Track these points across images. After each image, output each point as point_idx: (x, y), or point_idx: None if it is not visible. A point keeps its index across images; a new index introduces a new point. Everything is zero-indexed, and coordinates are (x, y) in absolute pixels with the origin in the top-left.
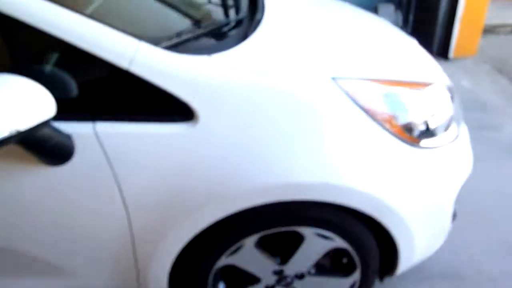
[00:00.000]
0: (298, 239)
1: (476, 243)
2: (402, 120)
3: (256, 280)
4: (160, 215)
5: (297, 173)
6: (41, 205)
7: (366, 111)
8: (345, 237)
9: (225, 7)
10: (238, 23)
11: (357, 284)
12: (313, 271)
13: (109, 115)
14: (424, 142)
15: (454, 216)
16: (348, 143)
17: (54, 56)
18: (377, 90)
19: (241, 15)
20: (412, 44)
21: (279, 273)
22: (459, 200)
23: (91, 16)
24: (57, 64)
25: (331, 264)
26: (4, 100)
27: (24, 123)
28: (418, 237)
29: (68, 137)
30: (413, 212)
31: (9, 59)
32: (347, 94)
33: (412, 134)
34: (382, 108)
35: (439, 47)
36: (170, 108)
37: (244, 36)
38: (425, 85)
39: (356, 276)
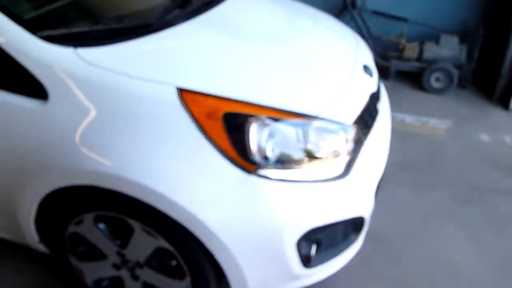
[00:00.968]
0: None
1: None
2: (240, 143)
3: (104, 255)
4: (13, 173)
5: (109, 165)
6: None
7: (201, 127)
8: (169, 240)
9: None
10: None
11: None
12: (154, 264)
13: None
14: (265, 171)
15: (308, 260)
16: (170, 151)
17: None
18: (219, 108)
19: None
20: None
21: (122, 256)
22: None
23: None
24: None
25: (167, 264)
26: None
27: None
28: (248, 268)
29: None
30: (237, 240)
31: None
32: (184, 105)
33: (249, 160)
34: (218, 128)
35: (500, 94)
36: (28, 84)
37: (128, 38)
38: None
39: (187, 282)
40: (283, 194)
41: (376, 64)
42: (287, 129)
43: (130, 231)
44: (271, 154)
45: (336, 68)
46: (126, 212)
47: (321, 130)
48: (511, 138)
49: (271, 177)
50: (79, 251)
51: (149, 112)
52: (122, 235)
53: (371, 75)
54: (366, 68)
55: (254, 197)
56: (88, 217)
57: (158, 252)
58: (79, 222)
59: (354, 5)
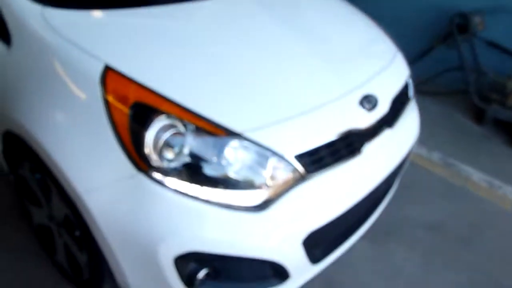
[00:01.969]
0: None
1: None
2: (139, 138)
3: (40, 204)
4: None
5: (20, 116)
6: None
7: (109, 109)
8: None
9: None
10: None
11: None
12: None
13: None
14: (162, 176)
15: (191, 280)
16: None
17: None
18: (131, 95)
19: None
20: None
21: (50, 209)
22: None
23: None
24: None
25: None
26: None
27: None
28: (129, 271)
29: None
30: (118, 236)
31: None
32: (103, 81)
33: (143, 155)
34: (124, 115)
35: None
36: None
37: (96, 7)
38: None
39: (86, 256)
40: (171, 205)
41: (472, 104)
42: (199, 139)
43: (49, 189)
44: (176, 161)
45: (310, 89)
46: (43, 168)
47: (241, 150)
48: None
49: (166, 184)
50: (27, 192)
51: (71, 77)
52: (47, 192)
53: (369, 108)
54: (366, 99)
55: (138, 197)
56: (26, 164)
57: (68, 219)
58: (22, 167)
59: (465, 30)
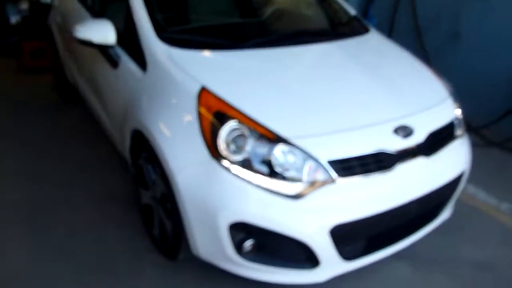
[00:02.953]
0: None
1: None
2: (215, 134)
3: (148, 187)
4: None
5: (147, 119)
6: None
7: (199, 112)
8: (166, 187)
9: None
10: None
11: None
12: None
13: None
14: (229, 164)
15: (240, 248)
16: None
17: None
18: (215, 105)
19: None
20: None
21: (154, 191)
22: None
23: None
24: None
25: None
26: None
27: None
28: (197, 231)
29: None
30: (193, 203)
31: None
32: (198, 97)
33: (217, 147)
34: (208, 118)
35: None
36: (141, 60)
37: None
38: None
39: (171, 223)
40: (232, 185)
41: None
42: (257, 141)
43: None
44: (239, 154)
45: (354, 114)
46: (154, 157)
47: (286, 153)
48: None
49: (230, 170)
50: (140, 178)
51: (180, 94)
52: (155, 177)
53: (404, 136)
54: (402, 128)
55: (210, 176)
56: (143, 156)
57: (164, 196)
58: (141, 158)
59: None
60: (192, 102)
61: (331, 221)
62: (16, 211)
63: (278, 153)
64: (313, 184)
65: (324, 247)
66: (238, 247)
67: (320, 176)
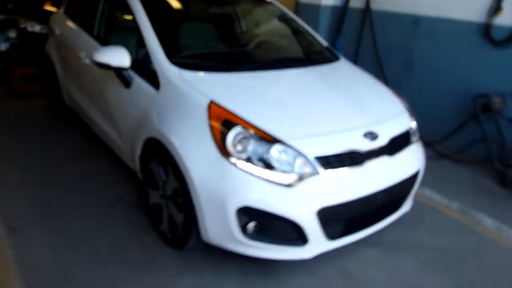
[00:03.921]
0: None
1: None
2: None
3: (158, 187)
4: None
5: (164, 129)
6: None
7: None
8: (179, 183)
9: None
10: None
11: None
12: (174, 200)
13: None
14: (236, 161)
15: (245, 229)
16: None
17: None
18: (223, 116)
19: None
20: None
21: (164, 190)
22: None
23: None
24: None
25: (178, 201)
26: None
27: None
28: (209, 218)
29: None
30: (206, 194)
31: None
32: (208, 108)
33: (226, 148)
34: (217, 125)
35: None
36: (155, 80)
37: (207, 70)
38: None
39: (183, 216)
40: (238, 177)
41: (496, 169)
42: (257, 142)
43: (168, 174)
44: (244, 152)
45: (333, 121)
46: (167, 159)
47: (281, 151)
48: None
49: (237, 165)
50: (150, 181)
51: (191, 107)
52: (166, 177)
53: (371, 139)
54: (369, 133)
55: (220, 171)
56: (155, 159)
57: (176, 192)
58: (152, 162)
59: (488, 109)
60: (203, 113)
61: (317, 204)
62: (30, 217)
63: (275, 151)
64: (302, 176)
65: (312, 226)
66: (243, 229)
67: (308, 169)
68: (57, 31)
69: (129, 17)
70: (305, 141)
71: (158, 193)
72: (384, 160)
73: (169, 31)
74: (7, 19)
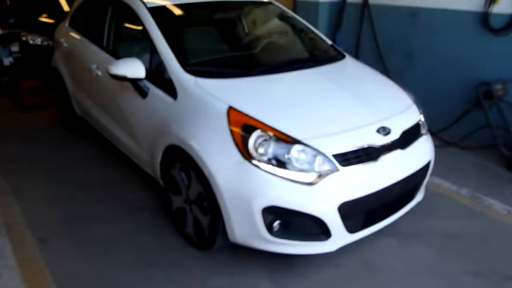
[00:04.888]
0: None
1: None
2: (245, 141)
3: (181, 192)
4: (155, 133)
5: (185, 135)
6: None
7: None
8: (204, 187)
9: None
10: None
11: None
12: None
13: None
14: (258, 163)
15: (270, 228)
16: (213, 135)
17: None
18: (242, 120)
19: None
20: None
21: (187, 195)
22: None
23: None
24: None
25: (203, 204)
26: None
27: None
28: (235, 220)
29: None
30: (231, 197)
31: None
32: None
33: (248, 151)
34: (238, 130)
35: None
36: (172, 89)
37: (222, 77)
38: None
39: (208, 218)
40: (262, 178)
41: (501, 153)
42: (277, 143)
43: (190, 179)
44: (265, 154)
45: (347, 119)
46: (190, 164)
47: (300, 151)
48: None
49: (260, 167)
50: (172, 186)
51: (211, 113)
52: (189, 182)
53: (384, 134)
54: (382, 129)
55: (244, 173)
56: (177, 166)
57: (200, 196)
58: (174, 168)
59: (490, 96)
60: (223, 119)
61: (338, 200)
62: (57, 227)
63: (295, 151)
64: (322, 173)
65: (334, 221)
66: (269, 227)
67: (327, 167)
68: (64, 44)
69: (138, 28)
70: (323, 140)
71: (181, 197)
72: (397, 153)
73: (180, 40)
74: (9, 33)
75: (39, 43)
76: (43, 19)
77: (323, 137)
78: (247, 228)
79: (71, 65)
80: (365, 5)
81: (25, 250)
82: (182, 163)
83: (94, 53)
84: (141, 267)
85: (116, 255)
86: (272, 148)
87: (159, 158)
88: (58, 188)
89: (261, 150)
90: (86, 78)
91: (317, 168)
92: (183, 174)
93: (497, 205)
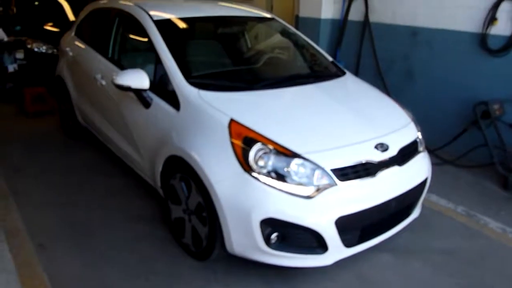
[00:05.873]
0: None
1: None
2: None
3: (180, 202)
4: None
5: (186, 146)
6: None
7: (231, 139)
8: (203, 198)
9: None
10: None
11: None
12: (197, 213)
13: None
14: (258, 175)
15: (268, 240)
16: (214, 147)
17: None
18: (243, 133)
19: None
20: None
21: (187, 205)
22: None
23: None
24: None
25: (202, 215)
26: None
27: None
28: (234, 231)
29: None
30: (230, 208)
31: None
32: (229, 126)
33: (248, 163)
34: (239, 142)
35: None
36: (175, 101)
37: (224, 90)
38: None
39: (207, 229)
40: (261, 190)
41: (500, 174)
42: (277, 157)
43: (190, 190)
44: (265, 167)
45: (345, 135)
46: (190, 175)
47: (300, 164)
48: None
49: (260, 179)
50: (172, 196)
51: (213, 125)
52: (189, 192)
53: (382, 150)
54: (380, 145)
55: (244, 185)
56: (178, 176)
57: (199, 206)
58: (174, 178)
59: (488, 115)
60: (225, 131)
61: (335, 214)
62: (56, 234)
63: (294, 165)
64: (320, 187)
65: (331, 235)
66: (267, 239)
67: (325, 181)
68: (70, 53)
69: (143, 39)
70: (321, 154)
71: (180, 207)
72: (394, 169)
73: (184, 53)
74: (15, 40)
75: (43, 51)
76: (49, 27)
77: (322, 152)
78: (245, 240)
79: (75, 74)
80: (366, 23)
81: (24, 255)
82: (183, 174)
83: (99, 63)
84: (142, 275)
85: (116, 263)
86: (272, 161)
87: (160, 168)
88: (59, 195)
89: (261, 163)
90: (90, 87)
91: (315, 182)
92: (183, 185)
93: (493, 224)
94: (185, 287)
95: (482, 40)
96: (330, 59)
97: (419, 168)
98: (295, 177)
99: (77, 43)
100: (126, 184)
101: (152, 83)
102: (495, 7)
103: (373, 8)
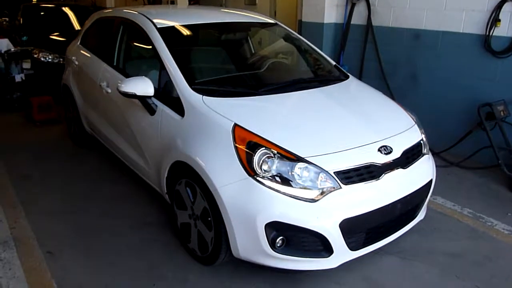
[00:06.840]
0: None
1: None
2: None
3: (186, 207)
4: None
5: (191, 152)
6: None
7: (235, 144)
8: (209, 203)
9: None
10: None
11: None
12: (202, 218)
13: None
14: (262, 179)
15: (274, 244)
16: (218, 151)
17: None
18: (247, 138)
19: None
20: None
21: (192, 210)
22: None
23: None
24: None
25: (207, 220)
26: None
27: None
28: (239, 235)
29: None
30: (235, 212)
31: None
32: (233, 131)
33: (252, 168)
34: (243, 147)
35: None
36: (179, 107)
37: (228, 96)
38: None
39: (212, 233)
40: (266, 194)
41: (503, 174)
42: (281, 161)
43: (196, 195)
44: (269, 171)
45: (348, 139)
46: (195, 180)
47: (304, 168)
48: None
49: (264, 183)
50: (178, 202)
51: (217, 130)
52: (194, 197)
53: (386, 153)
54: (384, 148)
55: (248, 189)
56: (183, 181)
57: (204, 211)
58: (179, 184)
59: (492, 117)
60: (229, 136)
61: (340, 217)
62: (65, 241)
63: (298, 169)
64: (324, 190)
65: (336, 238)
66: (272, 243)
67: (329, 184)
68: (75, 62)
69: (148, 47)
70: (325, 158)
71: (186, 213)
72: (398, 172)
73: (188, 59)
74: (21, 50)
75: (50, 60)
76: (55, 37)
77: (326, 155)
78: (250, 244)
79: (81, 83)
80: (369, 26)
81: (33, 263)
82: (188, 179)
83: (104, 71)
84: (149, 280)
85: (123, 269)
86: (276, 165)
87: (165, 174)
88: (66, 202)
89: (265, 167)
90: (95, 95)
91: (319, 185)
92: (188, 190)
93: (499, 225)
94: None
95: (485, 41)
96: (333, 63)
97: (423, 170)
98: (299, 181)
99: (82, 52)
100: (133, 190)
101: (156, 90)
102: (498, 8)
103: (375, 11)
